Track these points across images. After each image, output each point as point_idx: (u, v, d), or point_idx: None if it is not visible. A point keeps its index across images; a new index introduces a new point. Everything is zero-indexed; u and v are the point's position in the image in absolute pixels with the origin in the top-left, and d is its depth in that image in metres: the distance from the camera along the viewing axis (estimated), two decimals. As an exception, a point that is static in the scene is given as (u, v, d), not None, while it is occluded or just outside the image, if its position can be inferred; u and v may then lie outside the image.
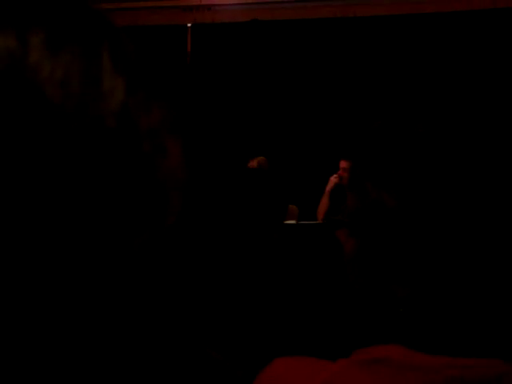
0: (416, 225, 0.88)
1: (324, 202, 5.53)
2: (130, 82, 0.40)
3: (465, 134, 0.94)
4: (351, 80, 6.67)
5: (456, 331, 0.86)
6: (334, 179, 5.50)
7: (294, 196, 5.79)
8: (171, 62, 6.88)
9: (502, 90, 6.06)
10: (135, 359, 0.38)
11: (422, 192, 0.89)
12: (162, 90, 0.41)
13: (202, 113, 6.78)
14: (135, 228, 0.39)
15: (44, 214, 0.35)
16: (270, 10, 6.89)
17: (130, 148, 0.39)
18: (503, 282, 0.87)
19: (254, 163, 5.35)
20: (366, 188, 0.94)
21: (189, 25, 7.09)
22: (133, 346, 0.38)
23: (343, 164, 5.45)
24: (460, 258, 0.87)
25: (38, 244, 0.35)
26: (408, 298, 0.88)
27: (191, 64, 7.07)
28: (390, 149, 0.94)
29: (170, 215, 0.41)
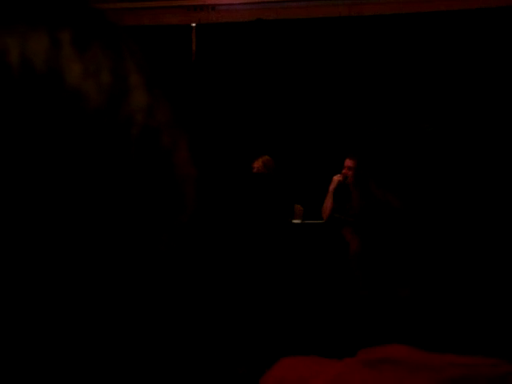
0: (420, 225, 0.88)
1: (328, 201, 5.52)
2: (148, 79, 0.41)
3: (470, 134, 0.94)
4: (356, 79, 6.66)
5: (460, 330, 0.86)
6: (337, 178, 5.49)
7: (298, 195, 5.78)
8: (176, 61, 6.88)
9: (509, 89, 6.05)
10: (136, 357, 0.38)
11: (426, 192, 0.89)
12: (168, 87, 0.42)
13: (207, 112, 6.78)
14: (160, 225, 0.40)
15: (73, 209, 0.36)
16: (275, 10, 6.89)
17: (155, 144, 0.40)
18: (506, 281, 0.87)
19: (259, 162, 5.35)
20: (370, 187, 0.94)
21: (193, 24, 7.09)
22: (134, 345, 0.38)
23: (348, 163, 5.43)
24: (463, 258, 0.87)
25: (58, 238, 0.35)
26: (411, 297, 0.88)
27: (196, 63, 7.07)
28: (395, 149, 0.94)
29: (186, 213, 0.41)
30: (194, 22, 7.08)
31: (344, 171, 5.45)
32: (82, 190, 0.36)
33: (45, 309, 0.35)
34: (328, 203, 5.51)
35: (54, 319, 0.35)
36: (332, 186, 5.50)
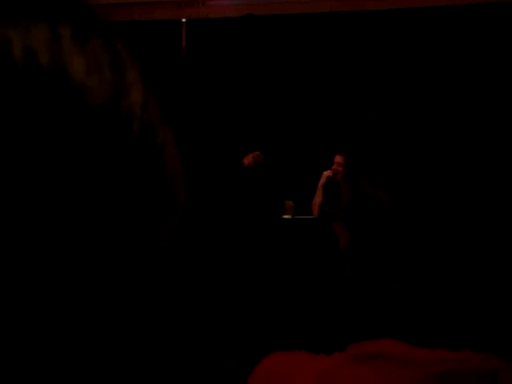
0: (409, 219, 0.89)
1: (318, 197, 5.53)
2: (142, 74, 0.41)
3: (461, 128, 0.95)
4: (346, 74, 6.67)
5: (450, 324, 0.87)
6: (326, 173, 5.50)
7: (289, 191, 5.79)
8: (166, 56, 6.87)
9: (505, 85, 6.07)
10: (133, 355, 0.38)
11: (415, 187, 0.90)
12: (156, 83, 0.42)
13: (197, 107, 6.77)
14: (155, 222, 0.40)
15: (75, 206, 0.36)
16: (265, 5, 6.88)
17: (152, 140, 0.40)
18: (496, 275, 0.87)
19: (249, 158, 5.35)
20: (360, 182, 0.94)
21: (183, 20, 7.07)
22: (131, 343, 0.38)
23: (338, 159, 5.44)
24: (453, 252, 0.88)
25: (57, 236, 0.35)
26: (401, 291, 0.88)
27: (186, 59, 7.05)
28: (383, 144, 0.94)
29: (177, 210, 0.41)
30: (184, 18, 7.06)
31: (334, 167, 5.46)
32: (85, 187, 0.36)
33: (44, 309, 0.35)
34: (318, 198, 5.52)
35: (54, 319, 0.35)
36: (321, 182, 5.51)
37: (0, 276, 0.33)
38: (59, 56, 0.36)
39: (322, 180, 5.51)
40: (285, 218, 4.61)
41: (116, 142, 0.37)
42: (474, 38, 6.33)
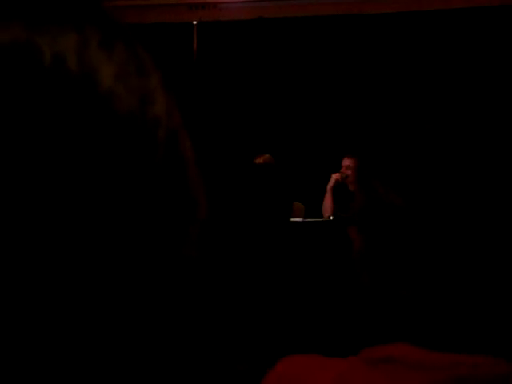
0: (422, 224, 0.88)
1: (327, 200, 5.53)
2: (163, 80, 0.41)
3: (472, 132, 0.94)
4: (357, 77, 6.65)
5: (462, 329, 0.87)
6: (335, 176, 5.50)
7: (300, 194, 5.78)
8: (177, 59, 6.88)
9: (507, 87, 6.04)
10: (137, 356, 0.38)
11: (429, 191, 0.89)
12: (173, 87, 0.42)
13: (208, 110, 6.77)
14: (179, 229, 0.40)
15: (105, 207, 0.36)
16: (276, 8, 6.88)
17: (176, 146, 0.40)
18: (507, 281, 0.87)
19: (260, 161, 5.35)
20: (373, 186, 0.94)
21: (194, 22, 7.08)
22: (135, 344, 0.38)
23: (346, 162, 5.45)
24: (465, 256, 0.87)
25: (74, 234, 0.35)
26: (414, 296, 0.88)
27: (197, 62, 7.06)
28: (397, 147, 0.94)
29: (200, 214, 0.41)
30: (195, 20, 7.07)
31: (342, 170, 5.45)
32: (111, 194, 0.36)
33: (45, 309, 0.35)
34: (327, 202, 5.51)
35: (54, 319, 0.35)
36: (330, 184, 5.51)
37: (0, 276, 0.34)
38: (88, 63, 0.36)
39: (331, 183, 5.51)
40: (295, 221, 4.60)
41: (143, 150, 0.37)
42: (478, 41, 6.30)
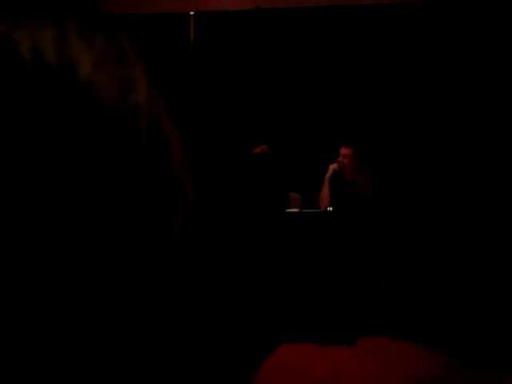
0: (390, 215, 0.89)
1: (325, 190, 5.54)
2: (147, 69, 0.41)
3: (468, 124, 0.95)
4: (353, 68, 6.65)
5: (457, 321, 0.87)
6: (332, 167, 5.51)
7: (296, 184, 5.79)
8: (174, 50, 6.86)
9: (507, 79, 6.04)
10: (137, 355, 0.38)
11: (426, 182, 0.90)
12: (163, 77, 0.41)
13: (205, 101, 6.76)
14: (163, 217, 0.40)
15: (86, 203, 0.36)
16: (273, -2, 6.87)
17: (159, 134, 0.40)
18: (483, 271, 0.87)
19: (257, 151, 5.34)
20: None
21: (191, 13, 7.06)
22: (135, 343, 0.38)
23: (344, 151, 5.45)
24: (463, 250, 0.88)
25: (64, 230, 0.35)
26: (389, 287, 0.89)
27: (194, 52, 7.04)
28: (392, 137, 0.95)
29: (185, 204, 0.41)
30: (191, 10, 7.04)
31: (340, 159, 5.46)
32: (93, 181, 0.36)
33: (45, 308, 0.35)
34: (325, 192, 5.52)
35: (54, 319, 0.35)
36: (328, 175, 5.51)
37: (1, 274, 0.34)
38: (66, 54, 0.36)
39: (329, 173, 5.52)
40: (292, 212, 4.60)
41: (124, 137, 0.37)
42: (475, 32, 6.29)
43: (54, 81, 0.35)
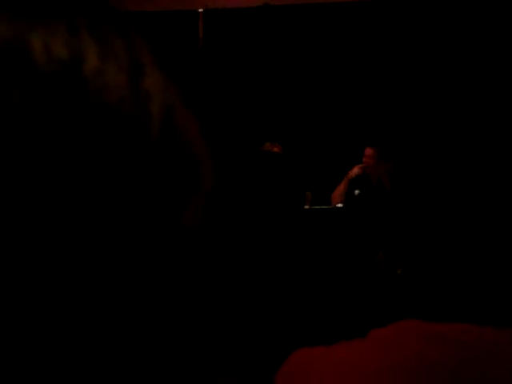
0: (410, 208, 0.90)
1: (341, 188, 5.52)
2: (157, 60, 0.41)
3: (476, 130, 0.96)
4: (367, 64, 6.64)
5: (466, 299, 0.89)
6: (357, 170, 5.50)
7: (307, 181, 5.79)
8: (183, 47, 6.87)
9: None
10: (137, 355, 0.38)
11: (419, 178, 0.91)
12: (173, 69, 0.42)
13: (214, 99, 6.78)
14: (181, 207, 0.40)
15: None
16: (282, -5, 6.86)
17: (172, 122, 0.40)
18: (494, 257, 0.88)
19: (265, 149, 5.36)
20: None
21: (200, 10, 7.07)
22: (137, 344, 0.38)
23: (369, 151, 5.46)
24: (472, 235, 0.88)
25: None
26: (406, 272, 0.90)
27: (203, 50, 7.05)
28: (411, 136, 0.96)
29: (203, 193, 0.42)
30: (200, 8, 7.05)
31: (365, 159, 5.46)
32: (107, 169, 0.36)
33: (46, 307, 0.34)
34: (340, 190, 5.50)
35: (55, 317, 0.35)
36: (350, 175, 5.50)
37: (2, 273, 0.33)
38: (77, 49, 0.37)
39: (352, 174, 5.50)
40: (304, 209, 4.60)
41: (135, 122, 0.38)
42: (478, 26, 6.27)
43: (63, 73, 0.36)
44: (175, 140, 0.40)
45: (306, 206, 4.75)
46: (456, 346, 0.85)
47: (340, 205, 5.09)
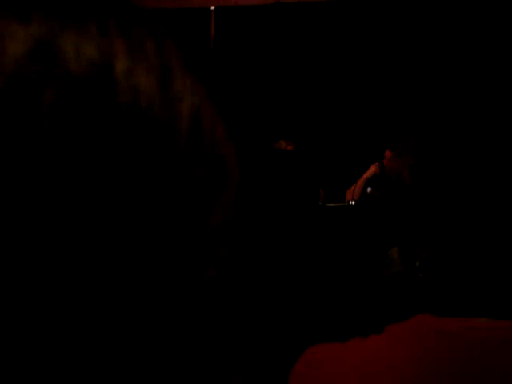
0: (429, 202, 0.89)
1: (358, 187, 5.52)
2: (185, 61, 0.42)
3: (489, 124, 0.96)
4: (379, 62, 6.62)
5: (478, 295, 0.88)
6: (374, 170, 5.49)
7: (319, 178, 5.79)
8: (194, 45, 6.88)
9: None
10: (138, 354, 0.38)
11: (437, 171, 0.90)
12: (197, 69, 0.43)
13: (226, 97, 6.78)
14: (210, 206, 0.40)
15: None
16: (294, -8, 6.85)
17: (201, 122, 0.41)
18: None
19: (279, 147, 5.35)
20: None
21: (212, 8, 7.07)
22: (139, 344, 0.38)
23: (389, 154, 5.45)
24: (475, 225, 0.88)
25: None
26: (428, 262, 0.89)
27: (215, 48, 7.06)
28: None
29: (232, 192, 0.42)
30: (212, 6, 7.06)
31: (385, 161, 5.45)
32: (138, 167, 0.36)
33: (46, 307, 0.34)
34: (358, 188, 5.50)
35: (56, 317, 0.34)
36: (367, 175, 5.50)
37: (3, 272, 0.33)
38: (108, 50, 0.37)
39: (368, 174, 5.50)
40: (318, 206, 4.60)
41: (165, 123, 0.38)
42: (482, 22, 6.24)
43: (94, 75, 0.36)
44: (203, 141, 0.40)
45: (319, 203, 4.74)
46: (471, 343, 0.85)
47: (352, 202, 5.08)
